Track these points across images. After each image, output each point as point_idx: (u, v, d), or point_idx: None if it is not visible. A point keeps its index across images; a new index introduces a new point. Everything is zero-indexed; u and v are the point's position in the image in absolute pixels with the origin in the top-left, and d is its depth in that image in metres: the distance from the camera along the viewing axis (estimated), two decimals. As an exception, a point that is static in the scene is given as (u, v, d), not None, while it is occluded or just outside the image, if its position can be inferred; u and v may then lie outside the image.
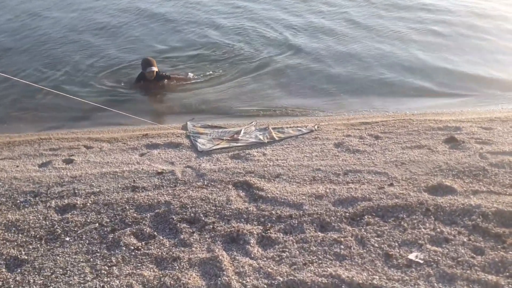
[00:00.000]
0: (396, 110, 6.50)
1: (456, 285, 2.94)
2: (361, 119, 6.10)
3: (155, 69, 7.49)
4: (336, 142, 5.20)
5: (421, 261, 3.17)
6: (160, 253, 3.45)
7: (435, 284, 2.97)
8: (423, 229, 3.49)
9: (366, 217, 3.68)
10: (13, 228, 3.87)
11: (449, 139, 5.02)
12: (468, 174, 4.22)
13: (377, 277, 3.05)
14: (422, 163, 4.50)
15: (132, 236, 3.69)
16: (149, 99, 7.37)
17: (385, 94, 6.99)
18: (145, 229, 3.74)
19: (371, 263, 3.19)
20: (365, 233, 3.49)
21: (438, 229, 3.47)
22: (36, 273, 3.35)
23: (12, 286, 3.24)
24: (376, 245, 3.36)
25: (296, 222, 3.67)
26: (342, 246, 3.37)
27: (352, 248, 3.35)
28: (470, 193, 3.91)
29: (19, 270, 3.40)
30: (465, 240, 3.34)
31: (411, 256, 3.22)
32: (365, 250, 3.32)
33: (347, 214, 3.73)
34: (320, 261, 3.24)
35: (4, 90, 7.75)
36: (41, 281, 3.26)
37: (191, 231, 3.69)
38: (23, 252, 3.58)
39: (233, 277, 3.12)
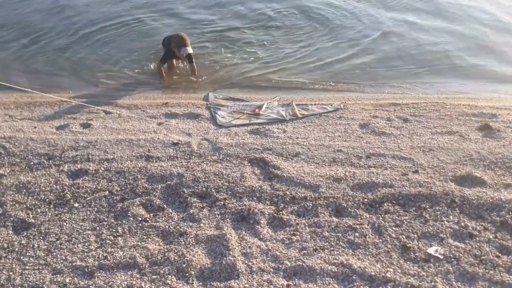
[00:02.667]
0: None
1: (476, 285, 2.74)
2: (391, 99, 5.80)
3: (190, 50, 6.34)
4: (362, 123, 4.95)
5: (441, 257, 2.96)
6: (167, 227, 3.35)
7: (454, 282, 2.77)
8: (446, 222, 3.26)
9: (385, 204, 3.47)
10: (24, 190, 3.81)
11: (483, 127, 4.72)
12: (501, 165, 3.94)
13: (391, 270, 2.87)
14: (452, 150, 4.23)
15: (141, 207, 3.59)
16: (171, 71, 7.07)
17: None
18: (154, 201, 3.64)
19: (387, 254, 3.01)
20: (382, 221, 3.29)
21: (463, 223, 3.24)
22: (41, 237, 3.30)
23: (16, 249, 3.19)
24: (394, 235, 3.16)
25: (311, 204, 3.49)
26: (356, 234, 3.18)
27: (367, 236, 3.16)
28: (501, 186, 3.64)
29: (25, 233, 3.35)
30: (491, 237, 3.11)
31: (431, 250, 3.01)
32: (381, 240, 3.13)
33: (366, 200, 3.53)
34: (332, 248, 3.07)
35: (37, 50, 7.74)
36: (45, 247, 3.20)
37: (201, 206, 3.56)
38: (31, 215, 3.53)
39: (239, 257, 2.99)
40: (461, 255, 2.97)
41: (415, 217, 3.33)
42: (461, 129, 4.69)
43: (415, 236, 3.15)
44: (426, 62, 6.97)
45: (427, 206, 3.44)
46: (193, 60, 6.60)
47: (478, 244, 3.06)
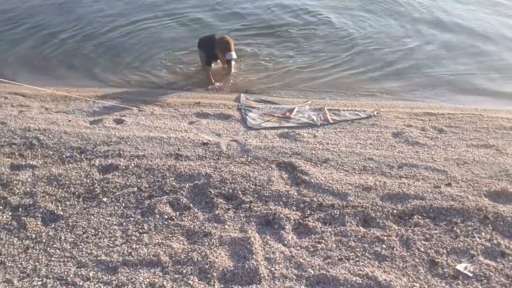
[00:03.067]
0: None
1: (507, 307, 2.63)
2: (426, 109, 5.65)
3: (235, 56, 6.21)
4: (395, 131, 4.84)
5: (470, 274, 2.86)
6: (192, 226, 3.35)
7: (483, 302, 2.67)
8: (477, 239, 3.15)
9: (415, 217, 3.38)
10: (55, 182, 3.89)
11: (521, 142, 4.55)
12: (539, 183, 3.78)
13: (418, 285, 2.79)
14: (487, 164, 4.09)
15: (168, 205, 3.61)
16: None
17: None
18: (181, 199, 3.65)
19: (414, 268, 2.92)
20: (411, 234, 3.20)
21: (495, 241, 3.12)
22: (68, 230, 3.36)
23: (44, 240, 3.26)
24: (422, 249, 3.07)
25: (338, 213, 3.43)
26: (384, 246, 3.11)
27: (394, 249, 3.08)
28: (538, 205, 3.49)
29: (53, 225, 3.42)
30: (525, 257, 2.99)
31: (460, 267, 2.91)
32: (408, 253, 3.04)
33: (395, 211, 3.44)
34: (357, 259, 3.00)
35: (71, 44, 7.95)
36: (72, 239, 3.25)
37: (227, 207, 3.55)
38: (60, 208, 3.60)
39: (262, 262, 2.96)
40: (491, 274, 2.86)
41: (445, 231, 3.23)
42: (498, 143, 4.53)
43: (445, 251, 3.06)
44: (458, 77, 6.73)
45: (458, 220, 3.33)
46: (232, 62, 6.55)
47: (511, 263, 2.94)
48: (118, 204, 3.64)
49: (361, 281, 2.80)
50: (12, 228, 3.41)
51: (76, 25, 8.64)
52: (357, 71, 6.85)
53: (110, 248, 3.15)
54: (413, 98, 6.18)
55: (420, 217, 3.38)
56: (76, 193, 3.77)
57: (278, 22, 8.65)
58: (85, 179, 3.94)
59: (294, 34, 8.11)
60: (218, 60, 6.59)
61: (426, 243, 3.12)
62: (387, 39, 7.87)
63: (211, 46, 6.25)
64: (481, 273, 2.87)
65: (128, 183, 3.88)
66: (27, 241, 3.26)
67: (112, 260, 3.03)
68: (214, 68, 6.71)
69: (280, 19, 8.79)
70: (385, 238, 3.17)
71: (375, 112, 5.31)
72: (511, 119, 5.17)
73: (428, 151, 4.38)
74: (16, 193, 3.77)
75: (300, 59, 7.17)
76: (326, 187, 3.73)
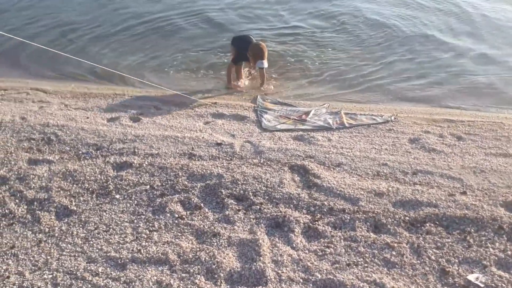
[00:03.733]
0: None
1: (518, 320, 2.56)
2: (446, 115, 5.56)
3: (266, 65, 6.09)
4: (412, 137, 4.77)
5: (482, 285, 2.79)
6: (202, 226, 3.36)
7: (493, 314, 2.61)
8: (491, 249, 3.08)
9: (428, 224, 3.32)
10: (70, 178, 3.95)
11: (542, 151, 4.43)
12: (558, 194, 3.68)
13: (427, 294, 2.74)
14: (505, 174, 4.00)
15: (179, 204, 3.63)
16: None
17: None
18: (192, 199, 3.67)
19: (423, 276, 2.87)
20: (423, 242, 3.15)
21: (509, 252, 3.05)
22: (81, 225, 3.40)
23: (56, 234, 3.31)
24: (433, 257, 3.02)
25: (348, 217, 3.39)
26: (394, 252, 3.06)
27: (405, 256, 3.03)
28: (556, 216, 3.40)
29: (66, 220, 3.47)
30: (539, 270, 2.91)
31: (471, 277, 2.85)
32: (419, 261, 2.99)
33: (407, 218, 3.39)
34: (366, 265, 2.96)
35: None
36: (84, 235, 3.30)
37: (237, 208, 3.55)
38: (74, 203, 3.65)
39: (269, 264, 2.95)
40: (504, 285, 2.79)
41: (458, 240, 3.17)
42: (518, 152, 4.43)
43: (456, 260, 3.00)
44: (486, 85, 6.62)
45: (472, 230, 3.26)
46: (264, 70, 6.33)
47: (525, 276, 2.87)
48: (130, 201, 3.67)
49: (368, 288, 2.77)
50: (26, 221, 3.47)
51: (94, 24, 8.83)
52: (383, 77, 6.82)
53: (120, 245, 3.18)
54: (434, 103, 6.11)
55: (432, 225, 3.32)
56: (90, 189, 3.82)
57: (301, 25, 8.66)
58: (99, 176, 3.98)
59: (318, 39, 8.08)
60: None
61: (438, 252, 3.07)
62: (415, 47, 7.78)
63: (245, 47, 6.12)
64: (493, 285, 2.80)
65: (141, 181, 3.92)
66: (40, 235, 3.32)
67: (122, 256, 3.06)
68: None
69: (303, 23, 8.78)
70: (396, 245, 3.12)
71: (393, 117, 5.25)
72: (533, 128, 5.05)
73: (444, 158, 4.31)
74: (32, 187, 3.84)
75: (322, 65, 7.14)
76: (338, 191, 3.70)
